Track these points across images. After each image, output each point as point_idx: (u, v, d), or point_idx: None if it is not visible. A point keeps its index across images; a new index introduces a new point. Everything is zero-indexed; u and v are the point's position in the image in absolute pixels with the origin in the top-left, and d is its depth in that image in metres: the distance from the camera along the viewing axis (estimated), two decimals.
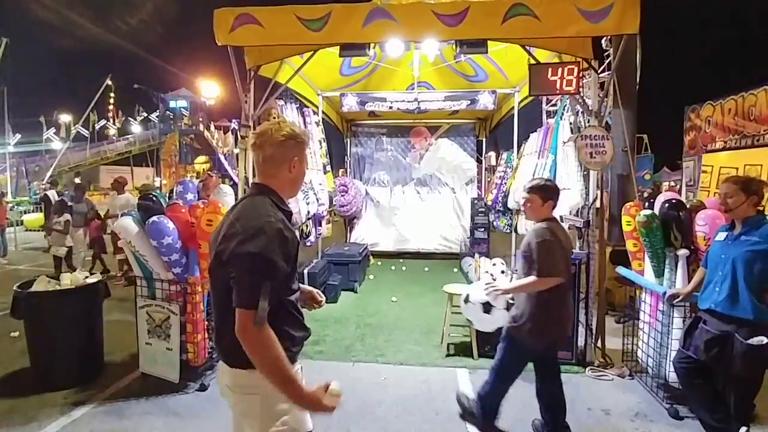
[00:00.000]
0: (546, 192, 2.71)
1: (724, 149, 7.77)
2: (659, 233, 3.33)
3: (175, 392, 3.45)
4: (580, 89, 4.33)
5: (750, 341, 2.47)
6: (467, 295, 3.45)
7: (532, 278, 2.55)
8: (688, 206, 3.45)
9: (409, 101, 7.34)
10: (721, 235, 2.79)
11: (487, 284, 2.90)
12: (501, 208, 7.25)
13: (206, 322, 3.55)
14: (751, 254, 2.53)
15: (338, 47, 4.19)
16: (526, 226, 5.99)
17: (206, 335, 3.54)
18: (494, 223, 8.01)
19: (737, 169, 7.53)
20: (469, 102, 7.23)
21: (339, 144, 9.87)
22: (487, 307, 2.91)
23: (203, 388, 3.50)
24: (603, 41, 6.83)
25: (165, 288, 3.51)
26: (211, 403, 3.32)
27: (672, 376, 3.01)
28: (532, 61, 4.27)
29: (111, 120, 34.82)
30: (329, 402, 1.44)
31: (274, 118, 5.07)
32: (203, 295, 3.52)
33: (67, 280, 3.76)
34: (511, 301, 2.94)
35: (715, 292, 2.65)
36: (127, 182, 7.25)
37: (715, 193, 7.51)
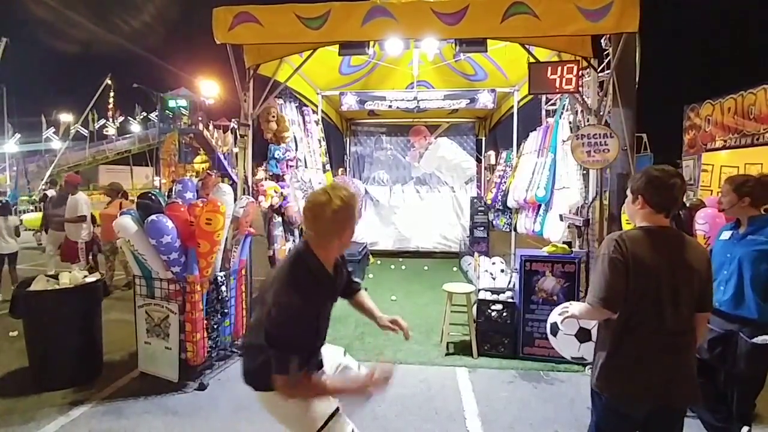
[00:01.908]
0: (636, 181, 1.93)
1: (723, 148, 7.79)
2: None
3: (174, 391, 3.44)
4: (580, 88, 4.33)
5: (755, 340, 2.47)
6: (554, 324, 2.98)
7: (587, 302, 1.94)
8: (688, 205, 3.46)
9: (408, 100, 7.33)
10: (726, 234, 2.77)
11: (569, 303, 2.39)
12: (500, 207, 7.26)
13: (205, 321, 3.54)
14: (757, 254, 2.50)
15: (337, 46, 4.18)
16: (525, 225, 6.00)
17: (205, 334, 3.54)
18: (494, 222, 8.02)
19: (737, 168, 7.55)
20: (468, 101, 7.22)
21: (338, 143, 9.87)
22: (553, 329, 2.42)
23: (202, 387, 3.50)
24: (603, 40, 6.81)
25: (164, 287, 3.50)
26: (210, 402, 3.32)
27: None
28: (532, 60, 4.27)
29: (110, 119, 34.80)
30: (379, 377, 1.67)
31: (273, 117, 5.07)
32: (202, 294, 3.51)
33: (66, 279, 3.74)
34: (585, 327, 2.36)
35: (719, 290, 2.63)
36: (79, 182, 6.58)
37: (718, 192, 7.53)
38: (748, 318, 2.52)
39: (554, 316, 2.41)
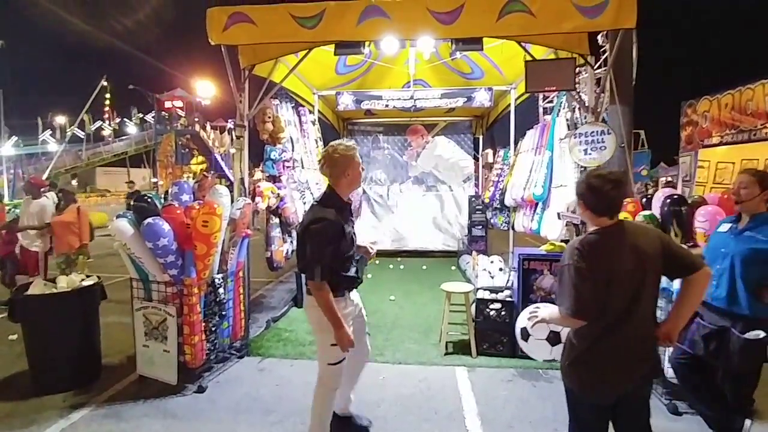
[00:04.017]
0: (578, 191, 2.01)
1: (720, 144, 7.80)
2: None
3: (173, 394, 3.43)
4: (576, 85, 4.32)
5: (747, 335, 2.47)
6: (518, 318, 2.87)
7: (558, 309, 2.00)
8: (689, 202, 3.46)
9: (405, 99, 7.32)
10: (725, 226, 2.73)
11: (536, 307, 2.42)
12: (498, 206, 7.25)
13: (203, 324, 3.52)
14: (752, 253, 2.48)
15: (333, 45, 4.16)
16: (523, 224, 5.99)
17: (203, 337, 3.52)
18: (492, 221, 8.02)
19: (734, 164, 7.56)
20: (465, 99, 7.20)
21: None
22: (524, 334, 2.43)
23: (201, 389, 3.48)
24: (599, 37, 6.81)
25: (161, 290, 3.48)
26: (209, 405, 3.31)
27: (670, 372, 3.01)
28: (528, 58, 4.26)
29: (107, 121, 34.73)
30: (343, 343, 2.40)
31: (269, 117, 5.05)
32: (200, 296, 3.50)
33: (64, 282, 3.73)
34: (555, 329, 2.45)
35: (712, 285, 2.59)
36: (44, 185, 5.96)
37: (711, 188, 7.53)
38: (741, 314, 2.52)
39: (523, 321, 2.44)
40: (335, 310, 2.35)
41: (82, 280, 3.84)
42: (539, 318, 2.23)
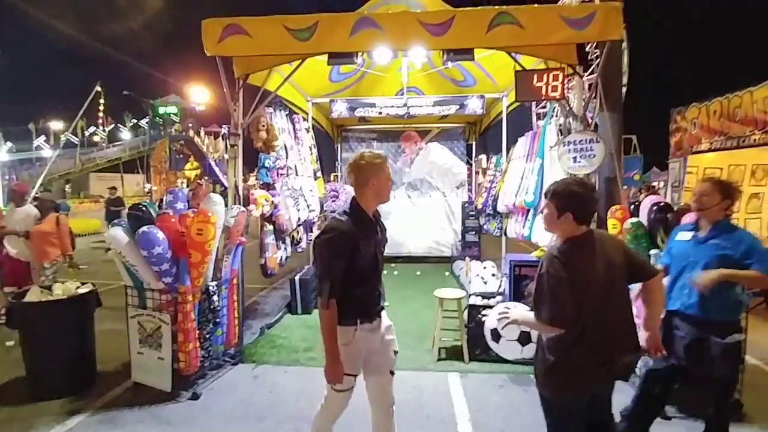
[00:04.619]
0: (562, 199, 1.98)
1: (709, 150, 7.91)
2: (645, 240, 3.46)
3: (168, 401, 3.45)
4: (568, 91, 4.40)
5: (727, 340, 2.53)
6: (485, 317, 3.02)
7: (533, 315, 2.01)
8: (675, 209, 3.54)
9: (398, 107, 7.39)
10: (686, 235, 2.78)
11: (506, 307, 2.43)
12: (491, 212, 7.32)
13: (197, 331, 3.55)
14: (720, 260, 2.52)
15: (326, 55, 4.22)
16: (515, 230, 6.06)
17: (197, 344, 3.55)
18: (485, 227, 8.08)
19: (721, 169, 7.69)
20: (458, 107, 7.29)
21: (329, 149, 9.90)
22: (495, 335, 2.48)
23: (195, 396, 3.51)
24: (588, 46, 6.93)
25: (156, 297, 3.51)
26: (203, 412, 3.34)
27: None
28: (518, 68, 4.34)
29: (101, 127, 34.59)
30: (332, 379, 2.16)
31: (263, 126, 5.10)
32: (194, 304, 3.53)
33: (59, 290, 3.77)
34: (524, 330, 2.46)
35: (684, 294, 2.66)
36: (27, 191, 5.70)
37: (740, 193, 7.67)
38: (716, 320, 2.57)
39: (493, 322, 2.43)
40: (334, 336, 2.12)
41: (78, 287, 3.87)
42: (511, 320, 2.21)
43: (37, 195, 5.77)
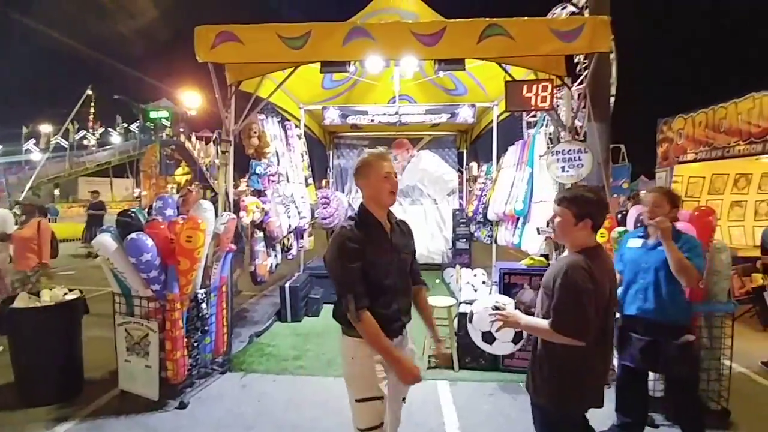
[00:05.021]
0: (581, 206, 1.95)
1: (695, 160, 8.05)
2: None
3: (155, 410, 3.41)
4: (558, 101, 4.46)
5: (679, 341, 2.65)
6: (471, 314, 2.75)
7: (546, 323, 1.92)
8: None
9: (390, 114, 7.42)
10: (637, 242, 2.92)
11: (495, 307, 2.27)
12: (481, 219, 7.36)
13: (185, 339, 3.52)
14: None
15: (319, 63, 4.24)
16: (505, 238, 6.10)
17: (185, 352, 3.51)
18: (475, 234, 8.12)
19: (704, 178, 7.83)
20: (449, 115, 7.34)
21: (321, 156, 9.90)
22: (487, 338, 2.26)
23: (183, 405, 3.47)
24: (576, 57, 7.02)
25: (143, 305, 3.48)
26: (190, 421, 3.30)
27: (650, 385, 3.09)
28: (509, 78, 4.39)
29: (91, 130, 34.29)
30: (411, 373, 1.95)
31: (255, 133, 5.10)
32: (182, 311, 3.49)
33: (47, 296, 3.74)
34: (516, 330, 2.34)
35: (639, 299, 2.79)
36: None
37: (684, 201, 7.81)
38: (670, 323, 2.69)
39: (484, 324, 2.31)
40: (384, 341, 1.91)
41: (65, 294, 3.83)
42: (510, 322, 2.10)
43: (17, 200, 5.47)
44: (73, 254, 11.72)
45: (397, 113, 7.36)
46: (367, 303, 1.90)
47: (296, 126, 7.09)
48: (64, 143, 30.63)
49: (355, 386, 2.00)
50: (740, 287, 5.83)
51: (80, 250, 12.07)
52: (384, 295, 1.98)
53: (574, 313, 1.83)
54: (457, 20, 3.95)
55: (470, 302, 4.45)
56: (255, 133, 5.11)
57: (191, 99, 29.49)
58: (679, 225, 3.42)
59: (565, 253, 2.10)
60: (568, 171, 4.15)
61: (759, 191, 7.83)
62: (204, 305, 3.70)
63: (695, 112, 8.21)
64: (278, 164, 5.87)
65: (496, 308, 2.17)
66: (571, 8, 8.47)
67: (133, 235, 3.32)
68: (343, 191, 9.77)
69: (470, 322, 2.26)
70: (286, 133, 6.53)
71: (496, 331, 2.16)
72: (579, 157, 4.16)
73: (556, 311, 1.87)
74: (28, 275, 4.73)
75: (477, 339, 2.25)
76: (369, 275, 1.94)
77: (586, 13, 5.88)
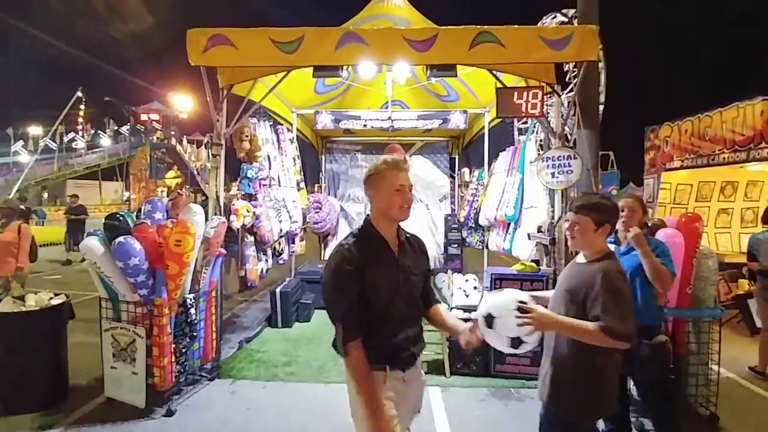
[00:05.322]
0: (601, 212, 1.97)
1: (681, 168, 8.15)
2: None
3: (141, 418, 3.35)
4: (548, 108, 4.51)
5: (652, 342, 2.70)
6: (490, 318, 2.06)
7: (593, 326, 1.82)
8: (649, 225, 3.62)
9: (383, 120, 7.44)
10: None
11: (520, 309, 1.90)
12: (473, 225, 7.38)
13: (173, 345, 3.47)
14: (642, 267, 2.73)
15: (311, 68, 4.24)
16: (496, 243, 6.13)
17: (173, 358, 3.47)
18: (467, 240, 8.13)
19: (691, 185, 7.93)
20: (441, 121, 7.38)
21: (313, 160, 9.87)
22: (516, 343, 1.96)
23: (170, 413, 3.42)
24: (566, 64, 7.11)
25: (131, 310, 3.43)
26: (178, 429, 3.25)
27: (635, 391, 3.11)
28: (499, 85, 4.43)
29: (80, 133, 33.92)
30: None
31: (247, 136, 5.08)
32: (170, 317, 3.45)
33: (32, 301, 3.66)
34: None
35: None
36: None
37: (672, 208, 7.90)
38: (644, 326, 2.69)
39: (511, 329, 1.93)
40: (371, 385, 1.68)
41: (51, 298, 3.76)
42: (544, 324, 1.90)
43: (7, 201, 5.32)
44: (59, 259, 11.53)
45: (389, 118, 7.38)
46: (359, 335, 1.68)
47: (288, 130, 7.07)
48: (53, 145, 30.26)
49: (362, 426, 1.73)
50: (727, 293, 5.90)
51: (65, 255, 11.86)
52: (389, 321, 1.77)
53: (627, 316, 1.83)
54: (449, 27, 3.99)
55: (469, 308, 4.43)
56: (246, 136, 5.09)
57: (183, 102, 29.36)
58: (667, 231, 3.48)
59: (579, 258, 2.09)
60: (557, 177, 4.19)
61: (745, 199, 7.95)
62: (193, 310, 3.66)
63: (681, 121, 8.32)
64: (270, 168, 5.85)
65: (522, 309, 1.89)
66: (560, 17, 8.57)
67: (121, 238, 3.28)
68: (335, 196, 9.74)
69: (490, 327, 1.93)
70: (278, 136, 6.52)
71: (527, 334, 1.90)
72: (569, 163, 4.20)
73: (610, 314, 1.80)
74: (10, 280, 4.54)
75: (502, 346, 1.93)
76: (370, 300, 1.71)
77: (575, 22, 5.97)
